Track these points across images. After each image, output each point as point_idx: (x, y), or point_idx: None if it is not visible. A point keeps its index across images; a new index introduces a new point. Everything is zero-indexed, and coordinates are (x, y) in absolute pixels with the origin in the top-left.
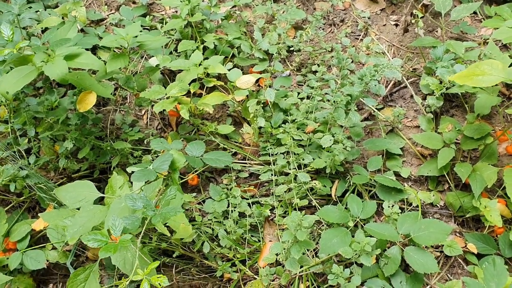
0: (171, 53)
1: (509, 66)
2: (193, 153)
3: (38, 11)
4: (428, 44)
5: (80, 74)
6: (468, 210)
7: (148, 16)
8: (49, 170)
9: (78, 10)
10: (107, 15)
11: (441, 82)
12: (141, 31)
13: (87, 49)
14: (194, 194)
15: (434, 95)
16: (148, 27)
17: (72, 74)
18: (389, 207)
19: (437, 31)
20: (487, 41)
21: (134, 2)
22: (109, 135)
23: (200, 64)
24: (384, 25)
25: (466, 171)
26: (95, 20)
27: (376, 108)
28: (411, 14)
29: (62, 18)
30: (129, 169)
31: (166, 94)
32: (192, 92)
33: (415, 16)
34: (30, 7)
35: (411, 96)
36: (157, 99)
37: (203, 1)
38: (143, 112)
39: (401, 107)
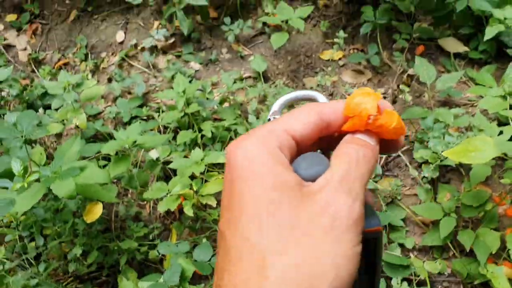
0: (170, 141)
1: (498, 135)
2: (200, 257)
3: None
4: (417, 116)
5: (85, 186)
6: (476, 277)
7: (144, 107)
8: (58, 273)
9: (78, 117)
10: (104, 108)
11: (434, 152)
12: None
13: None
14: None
15: (430, 166)
16: (146, 117)
17: (78, 188)
18: (398, 283)
19: (424, 96)
20: (475, 104)
21: (129, 93)
22: (114, 230)
23: (202, 159)
24: None
25: (469, 238)
26: (93, 114)
27: (373, 180)
28: (398, 86)
29: (63, 123)
30: (140, 285)
31: (169, 191)
32: (194, 189)
33: (402, 90)
34: (29, 108)
35: (407, 164)
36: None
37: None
38: (145, 202)
39: (398, 176)
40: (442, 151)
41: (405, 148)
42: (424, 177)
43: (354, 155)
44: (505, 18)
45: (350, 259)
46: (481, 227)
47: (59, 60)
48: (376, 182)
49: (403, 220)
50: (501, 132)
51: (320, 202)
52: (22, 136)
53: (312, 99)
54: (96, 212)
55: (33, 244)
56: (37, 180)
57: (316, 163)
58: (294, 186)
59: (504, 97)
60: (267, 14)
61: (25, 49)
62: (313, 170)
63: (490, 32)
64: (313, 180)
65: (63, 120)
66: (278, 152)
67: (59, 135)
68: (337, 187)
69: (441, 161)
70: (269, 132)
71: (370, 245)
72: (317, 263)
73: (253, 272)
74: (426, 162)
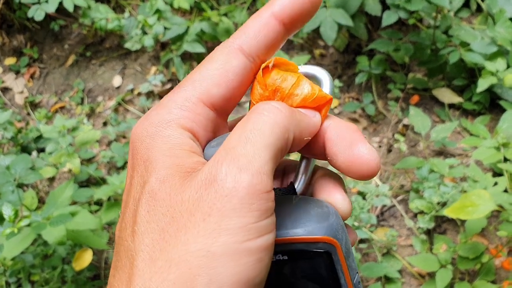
0: None
1: (493, 186)
2: None
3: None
4: (412, 166)
5: (76, 232)
6: None
7: None
8: None
9: (72, 162)
10: (99, 151)
11: (429, 202)
12: None
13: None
14: None
15: (425, 217)
16: None
17: (68, 233)
18: None
19: (419, 145)
20: (469, 154)
21: (124, 137)
22: (104, 278)
23: None
24: None
25: None
26: (87, 158)
27: (369, 230)
28: (393, 135)
29: (56, 167)
30: None
31: None
32: None
33: (397, 140)
34: (24, 151)
35: (402, 214)
36: None
37: None
38: None
39: (393, 226)
40: (437, 202)
41: (400, 198)
42: (419, 227)
43: (253, 118)
44: (497, 71)
45: (237, 258)
46: (478, 280)
47: (55, 103)
48: (371, 232)
49: (399, 271)
50: (495, 183)
51: (197, 182)
52: (14, 180)
53: (313, 77)
54: (85, 259)
55: None
56: (28, 225)
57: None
58: (185, 172)
59: (498, 148)
60: None
61: (22, 92)
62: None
63: (482, 84)
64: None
65: (56, 164)
66: (180, 137)
67: (52, 178)
68: (221, 158)
69: (436, 211)
70: (179, 107)
71: (320, 263)
72: (188, 270)
73: (123, 283)
74: (422, 212)
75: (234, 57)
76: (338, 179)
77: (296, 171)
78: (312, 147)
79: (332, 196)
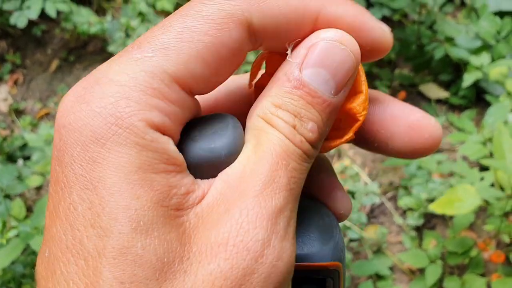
0: None
1: (480, 181)
2: None
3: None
4: (400, 163)
5: None
6: None
7: None
8: None
9: None
10: None
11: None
12: None
13: None
14: None
15: (414, 213)
16: None
17: None
18: None
19: None
20: (457, 149)
21: None
22: None
23: None
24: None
25: (455, 285)
26: None
27: (360, 228)
28: None
29: (43, 175)
30: None
31: None
32: None
33: None
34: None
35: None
36: None
37: None
38: None
39: (383, 223)
40: (425, 199)
41: (390, 194)
42: (408, 224)
43: (282, 128)
44: (482, 65)
45: None
46: (467, 274)
47: (40, 109)
48: (361, 229)
49: (390, 268)
50: (482, 178)
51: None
52: (1, 191)
53: None
54: None
55: None
56: (17, 236)
57: (217, 132)
58: (170, 218)
59: (484, 143)
60: (249, 62)
61: (6, 99)
62: (207, 148)
63: (468, 79)
64: (206, 165)
65: (43, 172)
66: (151, 144)
67: (39, 186)
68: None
69: (425, 208)
70: (142, 89)
71: None
72: None
73: None
74: (411, 209)
75: (235, 27)
76: (331, 172)
77: None
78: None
79: (331, 195)
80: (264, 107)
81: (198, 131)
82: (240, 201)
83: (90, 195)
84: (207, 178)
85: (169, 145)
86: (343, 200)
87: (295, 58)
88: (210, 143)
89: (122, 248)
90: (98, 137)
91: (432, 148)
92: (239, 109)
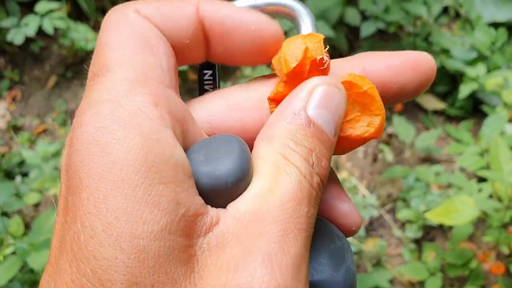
0: None
1: (478, 192)
2: None
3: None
4: (398, 175)
5: None
6: None
7: None
8: None
9: (57, 187)
10: None
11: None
12: None
13: None
14: None
15: (413, 226)
16: None
17: None
18: None
19: (404, 153)
20: (455, 160)
21: None
22: None
23: None
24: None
25: None
26: None
27: (359, 241)
28: (377, 144)
29: (41, 192)
30: None
31: None
32: None
33: (381, 150)
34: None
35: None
36: None
37: None
38: None
39: (382, 236)
40: (423, 211)
41: (388, 207)
42: (407, 236)
43: (300, 166)
44: (477, 76)
45: None
46: (467, 286)
47: (38, 125)
48: (360, 242)
49: (390, 281)
50: (480, 189)
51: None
52: None
53: (288, 14)
54: None
55: None
56: (13, 253)
57: (223, 157)
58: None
59: (481, 155)
60: (246, 76)
61: (4, 116)
62: (213, 175)
63: (464, 90)
64: (211, 192)
65: (41, 189)
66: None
67: (37, 203)
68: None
69: (424, 220)
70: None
71: None
72: None
73: None
74: (410, 221)
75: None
76: (338, 183)
77: None
78: None
79: (339, 208)
80: (281, 141)
81: (203, 155)
82: (260, 243)
83: (93, 221)
84: (211, 205)
85: (176, 148)
86: (352, 214)
87: (298, 98)
88: (215, 169)
89: (132, 285)
90: (97, 140)
91: (431, 79)
92: (244, 120)
